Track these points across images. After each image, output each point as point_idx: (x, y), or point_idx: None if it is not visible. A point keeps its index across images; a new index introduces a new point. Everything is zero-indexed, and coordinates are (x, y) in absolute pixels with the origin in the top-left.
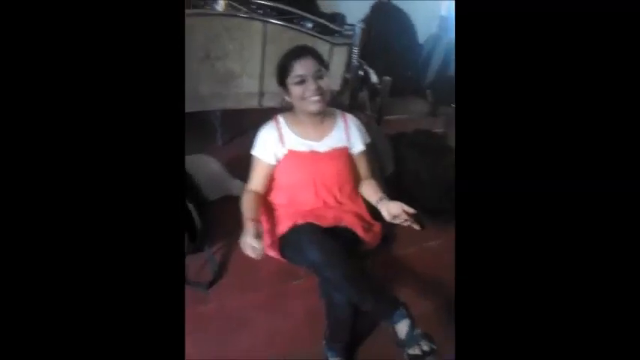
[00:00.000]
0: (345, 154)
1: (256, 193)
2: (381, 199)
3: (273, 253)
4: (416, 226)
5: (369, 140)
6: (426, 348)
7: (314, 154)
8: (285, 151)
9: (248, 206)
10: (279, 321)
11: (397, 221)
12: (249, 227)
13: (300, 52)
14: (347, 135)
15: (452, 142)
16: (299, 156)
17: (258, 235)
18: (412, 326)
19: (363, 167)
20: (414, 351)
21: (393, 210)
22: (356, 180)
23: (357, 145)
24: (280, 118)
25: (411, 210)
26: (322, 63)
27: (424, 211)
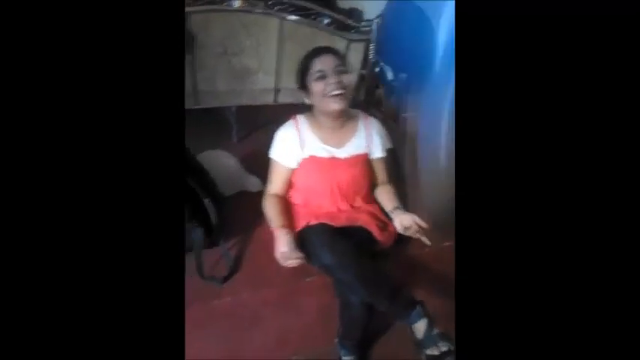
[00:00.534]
0: (364, 160)
1: (279, 197)
2: (395, 209)
3: None
4: (426, 241)
5: (389, 146)
6: (444, 348)
7: (334, 161)
8: (306, 156)
9: (274, 213)
10: (292, 318)
11: (408, 233)
12: (282, 236)
13: (320, 50)
14: (368, 141)
15: None
16: (319, 162)
17: (293, 243)
18: (430, 326)
19: (380, 172)
20: (432, 351)
21: (405, 221)
22: (373, 184)
23: (377, 152)
24: (301, 120)
25: (423, 224)
26: (342, 60)
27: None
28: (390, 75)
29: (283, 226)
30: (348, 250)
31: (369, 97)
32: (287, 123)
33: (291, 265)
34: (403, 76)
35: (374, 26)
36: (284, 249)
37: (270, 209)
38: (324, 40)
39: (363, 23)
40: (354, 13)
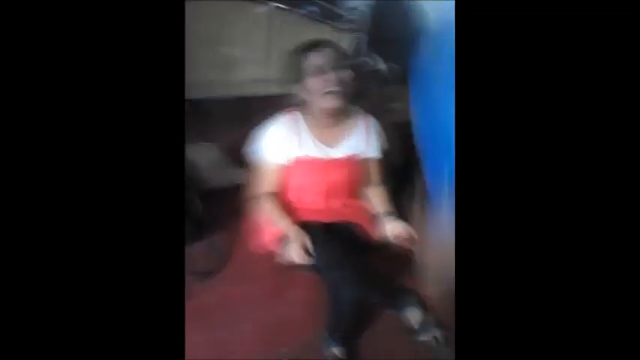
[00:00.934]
0: (358, 160)
1: (274, 195)
2: (387, 214)
3: (276, 248)
4: (412, 248)
5: (387, 147)
6: (437, 334)
7: (328, 161)
8: (299, 154)
9: (277, 212)
10: (280, 310)
11: (396, 241)
12: (299, 233)
13: (317, 43)
14: (365, 141)
15: None
16: (312, 162)
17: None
18: (424, 314)
19: (374, 173)
20: (426, 337)
21: (397, 230)
22: (365, 183)
23: (373, 152)
24: (295, 116)
25: (414, 234)
26: (342, 54)
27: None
28: (381, 65)
29: (293, 224)
30: (337, 249)
31: (358, 88)
32: (281, 119)
33: (308, 263)
34: (394, 66)
35: (364, 15)
36: (308, 242)
37: (272, 209)
38: (314, 29)
39: (353, 12)
40: (343, 2)
